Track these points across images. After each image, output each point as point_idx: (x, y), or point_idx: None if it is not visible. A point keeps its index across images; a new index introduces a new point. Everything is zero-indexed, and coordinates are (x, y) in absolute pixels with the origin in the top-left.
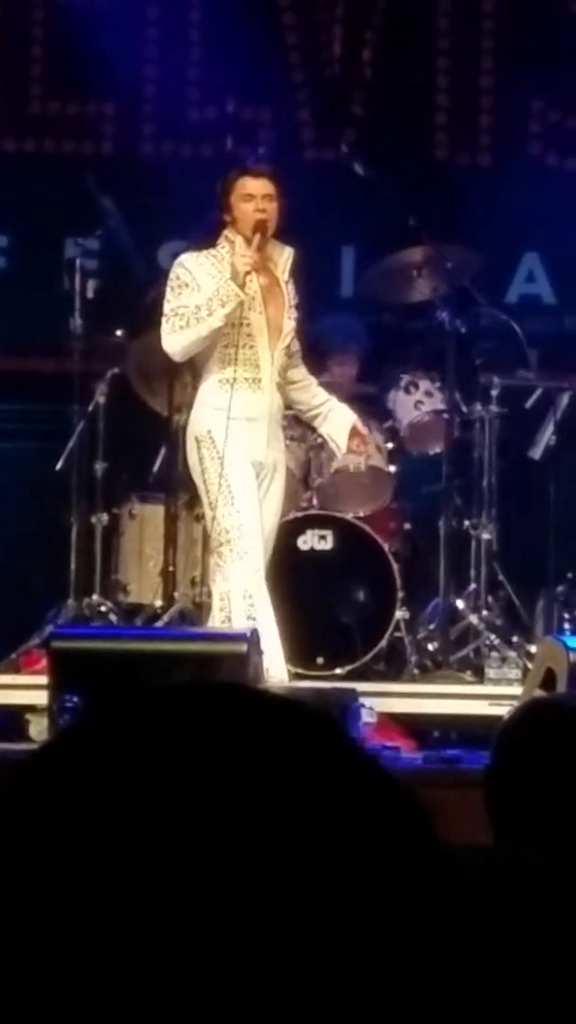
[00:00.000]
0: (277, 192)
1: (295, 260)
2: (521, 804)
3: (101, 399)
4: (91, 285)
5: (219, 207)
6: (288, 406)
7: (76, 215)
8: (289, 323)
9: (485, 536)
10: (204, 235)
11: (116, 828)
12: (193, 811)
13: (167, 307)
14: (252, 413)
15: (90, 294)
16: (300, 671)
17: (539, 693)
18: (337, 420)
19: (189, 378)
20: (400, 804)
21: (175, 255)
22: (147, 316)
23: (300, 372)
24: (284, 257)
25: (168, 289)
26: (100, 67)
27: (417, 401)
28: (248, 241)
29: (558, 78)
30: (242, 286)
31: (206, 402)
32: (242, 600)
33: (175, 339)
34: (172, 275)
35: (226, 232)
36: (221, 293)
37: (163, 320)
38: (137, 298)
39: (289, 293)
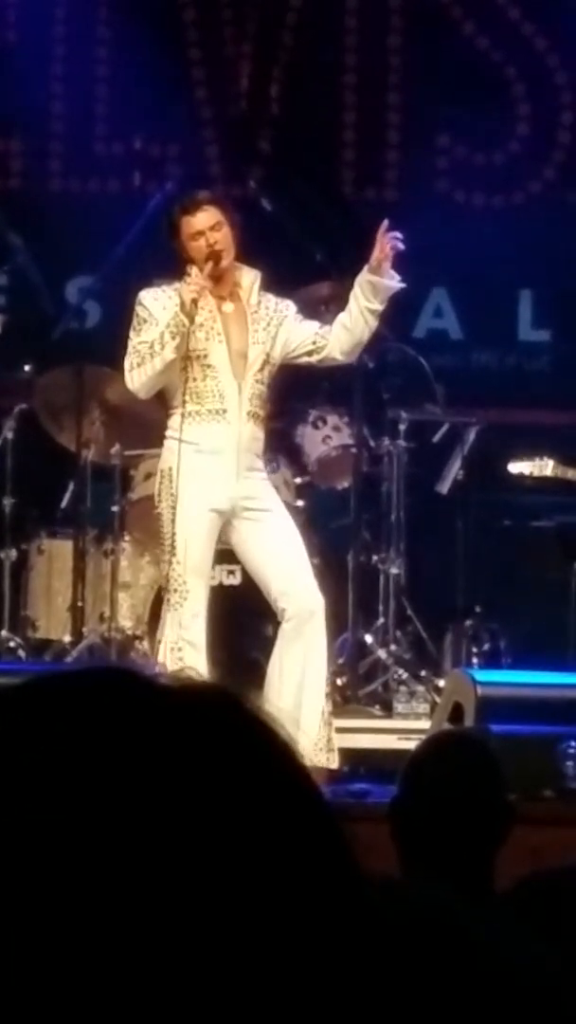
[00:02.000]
0: (225, 217)
1: (263, 281)
2: (426, 836)
3: (9, 434)
4: None
5: (175, 249)
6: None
7: None
8: (256, 348)
9: (393, 571)
10: (111, 271)
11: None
12: (88, 806)
13: (129, 345)
14: (216, 445)
15: None
16: None
17: (447, 727)
18: (362, 289)
19: (96, 413)
20: (306, 800)
21: (82, 290)
22: (55, 351)
23: (322, 342)
24: (250, 280)
25: (131, 328)
26: (6, 102)
27: (325, 436)
28: (201, 269)
29: (464, 115)
30: (191, 316)
31: (169, 436)
32: (170, 652)
33: (134, 376)
34: (134, 314)
35: (188, 266)
36: (172, 325)
37: (125, 358)
38: (45, 333)
39: (260, 317)
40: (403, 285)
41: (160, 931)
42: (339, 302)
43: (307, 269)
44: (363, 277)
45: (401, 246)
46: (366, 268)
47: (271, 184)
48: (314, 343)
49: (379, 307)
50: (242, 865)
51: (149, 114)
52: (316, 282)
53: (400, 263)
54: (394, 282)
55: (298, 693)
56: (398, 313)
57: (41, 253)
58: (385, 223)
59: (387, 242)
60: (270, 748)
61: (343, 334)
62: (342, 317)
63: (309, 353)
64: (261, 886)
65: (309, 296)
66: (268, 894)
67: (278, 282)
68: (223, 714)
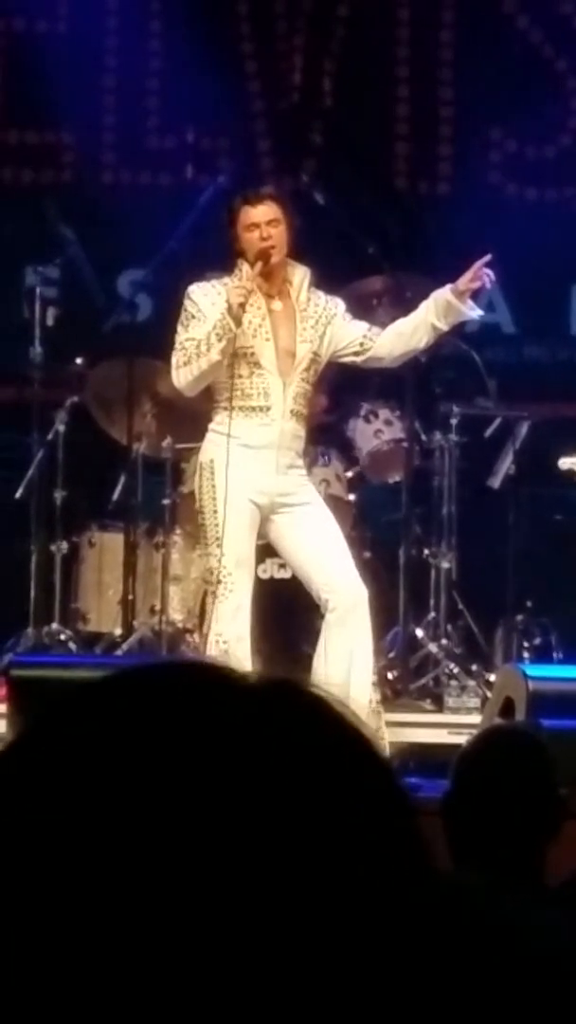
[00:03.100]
0: (282, 214)
1: (312, 277)
2: (477, 830)
3: (61, 427)
4: (51, 313)
5: (228, 237)
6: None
7: (36, 244)
8: (305, 346)
9: (444, 565)
10: (163, 265)
11: (93, 823)
12: (175, 800)
13: (176, 340)
14: (259, 441)
15: (50, 322)
16: None
17: (498, 721)
18: (437, 305)
19: (148, 407)
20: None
21: (134, 283)
22: (106, 344)
23: (369, 344)
24: (300, 277)
25: (179, 323)
26: (59, 96)
27: (377, 430)
28: (252, 265)
29: (517, 108)
30: (237, 319)
31: (212, 430)
32: (216, 644)
33: (180, 374)
34: (183, 308)
35: (239, 261)
36: (218, 327)
37: (173, 354)
38: (97, 326)
39: (309, 314)
40: (480, 314)
41: (255, 920)
42: (391, 296)
43: (359, 263)
44: (442, 295)
45: (490, 285)
46: (448, 287)
47: (323, 177)
48: (361, 344)
49: (445, 328)
50: (327, 854)
51: (201, 107)
52: (368, 276)
53: (452, 256)
54: (473, 312)
55: (344, 683)
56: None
57: (93, 246)
58: (488, 257)
59: (482, 274)
60: (355, 742)
61: (397, 340)
62: (400, 324)
63: (356, 353)
64: (344, 875)
65: (361, 290)
66: (349, 882)
67: (330, 276)
68: (308, 709)
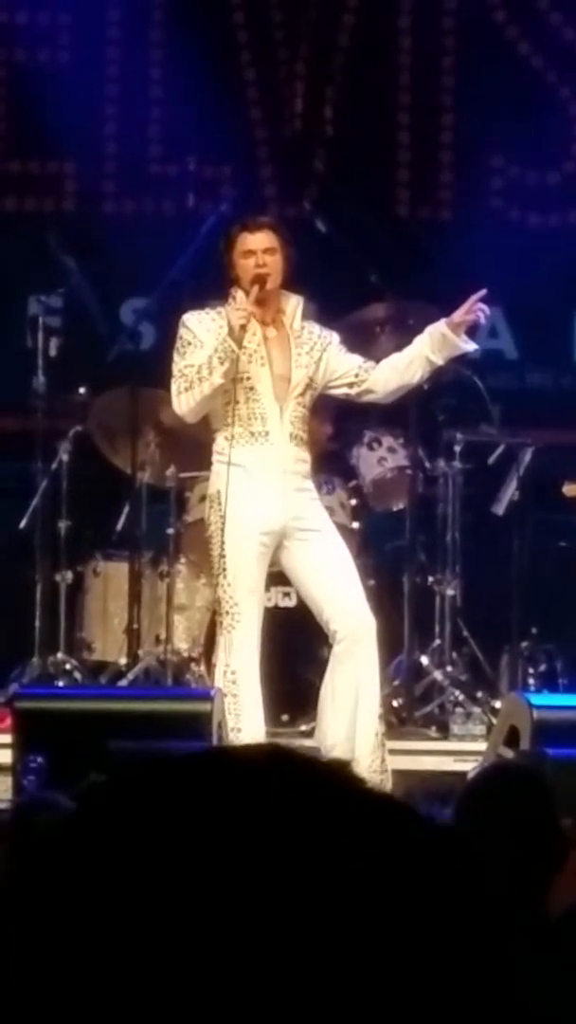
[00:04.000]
0: (280, 243)
1: (304, 307)
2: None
3: (64, 457)
4: (54, 343)
5: (224, 264)
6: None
7: (38, 273)
8: (300, 371)
9: (449, 592)
10: (166, 293)
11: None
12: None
13: (174, 368)
14: (262, 467)
15: (53, 352)
16: (266, 728)
17: (504, 750)
18: (432, 339)
19: (151, 435)
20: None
21: (136, 312)
22: (110, 373)
23: (363, 376)
24: (292, 306)
25: (175, 351)
26: (61, 125)
27: (380, 457)
28: (247, 292)
29: (518, 134)
30: (239, 341)
31: (216, 460)
32: (223, 675)
33: (181, 400)
34: (178, 336)
35: (232, 289)
36: (220, 350)
37: (172, 382)
38: (100, 356)
39: (303, 341)
40: (476, 348)
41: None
42: (394, 324)
43: (361, 291)
44: (437, 328)
45: (484, 320)
46: (443, 321)
47: (325, 205)
48: (356, 375)
49: (440, 363)
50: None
51: (203, 135)
52: (371, 303)
53: (455, 283)
54: (467, 346)
55: (352, 715)
56: None
57: (95, 275)
58: (483, 292)
59: (476, 308)
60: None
61: (391, 374)
62: (395, 358)
63: (350, 385)
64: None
65: (364, 318)
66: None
67: (332, 304)
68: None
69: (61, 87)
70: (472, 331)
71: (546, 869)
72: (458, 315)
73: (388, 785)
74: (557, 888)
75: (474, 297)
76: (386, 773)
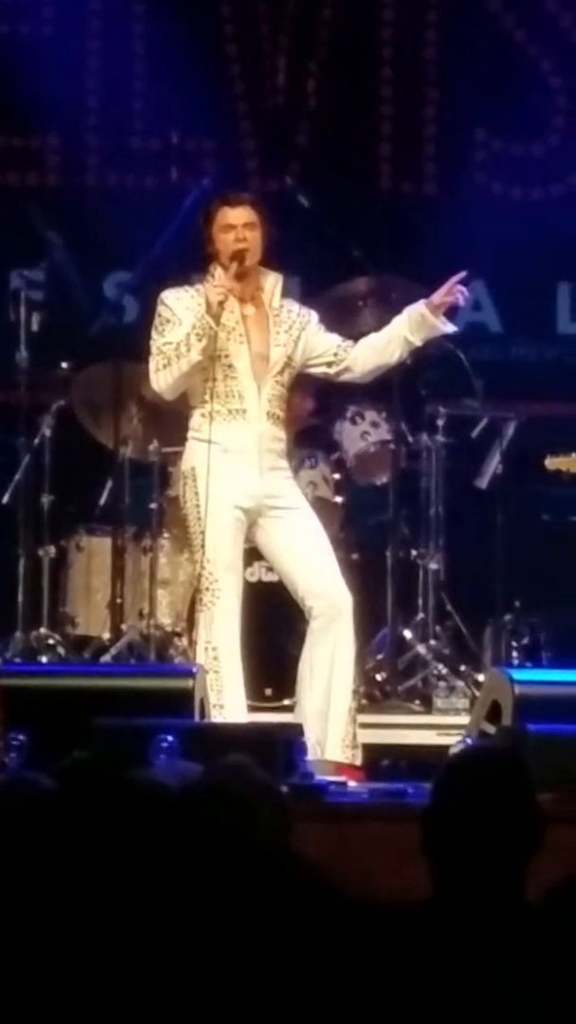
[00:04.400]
0: (260, 219)
1: (283, 285)
2: (457, 848)
3: (47, 432)
4: (36, 317)
5: (203, 239)
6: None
7: (20, 247)
8: (278, 350)
9: (432, 566)
10: (149, 266)
11: None
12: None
13: (152, 346)
14: (238, 444)
15: (35, 326)
16: (249, 702)
17: (486, 725)
18: (411, 320)
19: (134, 410)
20: None
21: (120, 286)
22: (92, 348)
23: (342, 355)
24: (271, 284)
25: (153, 328)
26: (43, 99)
27: (363, 432)
28: (226, 268)
29: (502, 108)
30: (217, 317)
31: (191, 437)
32: (204, 651)
33: (159, 377)
34: (156, 314)
35: (211, 266)
36: (198, 327)
37: (149, 359)
38: (82, 330)
39: (282, 319)
40: (455, 330)
41: None
42: (376, 298)
43: (344, 265)
44: (416, 309)
45: (463, 303)
46: (423, 302)
47: (308, 179)
48: (335, 354)
49: (418, 343)
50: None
51: (186, 109)
52: (353, 278)
53: (438, 256)
54: (447, 327)
55: (327, 691)
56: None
57: (78, 249)
58: (463, 274)
59: (456, 290)
60: None
61: (370, 354)
62: (373, 337)
63: (328, 364)
64: None
65: (347, 292)
66: None
67: (315, 279)
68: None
69: (43, 60)
70: (452, 313)
71: (523, 851)
72: (437, 296)
73: (359, 761)
74: (541, 864)
75: (454, 279)
76: (357, 748)
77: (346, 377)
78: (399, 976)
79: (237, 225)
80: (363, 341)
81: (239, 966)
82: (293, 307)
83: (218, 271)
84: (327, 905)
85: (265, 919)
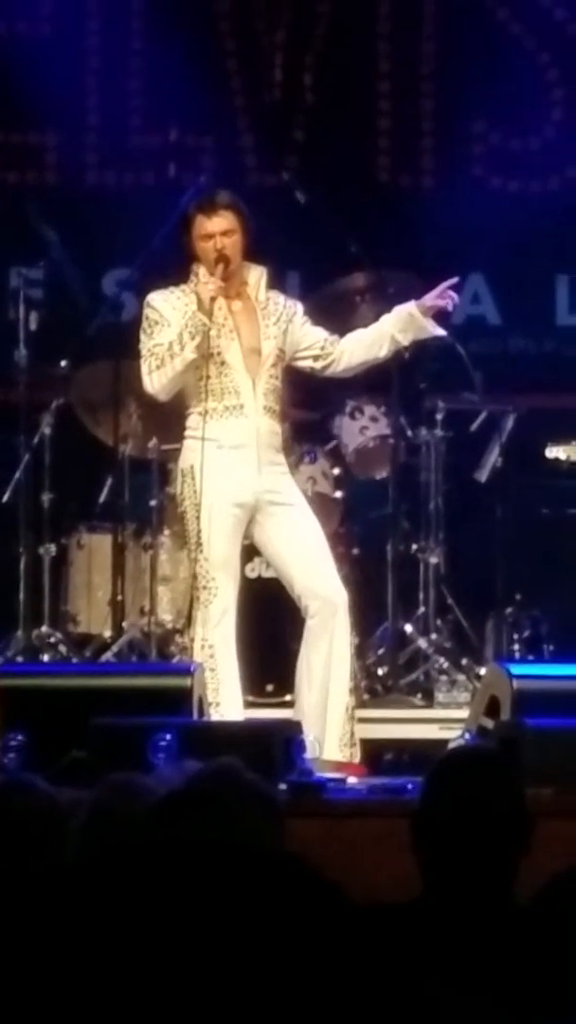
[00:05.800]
0: (239, 223)
1: (269, 277)
2: (447, 848)
3: (47, 430)
4: (35, 315)
5: (183, 243)
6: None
7: (19, 245)
8: (269, 343)
9: (433, 560)
10: (148, 263)
11: None
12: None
13: (142, 348)
14: (235, 441)
15: (34, 325)
16: (250, 698)
17: (484, 720)
18: (400, 318)
19: (134, 408)
20: None
21: (119, 283)
22: (92, 346)
23: (329, 349)
24: (256, 277)
25: (141, 331)
26: (41, 96)
27: (362, 426)
28: (211, 271)
29: (499, 100)
30: (209, 314)
31: (188, 435)
32: (201, 649)
33: (153, 379)
34: (143, 317)
35: (193, 266)
36: (190, 325)
37: (141, 362)
38: (81, 328)
39: (269, 312)
40: (443, 334)
41: None
42: (374, 293)
43: (342, 260)
44: (406, 309)
45: (452, 308)
46: (413, 303)
47: (306, 174)
48: (322, 348)
49: (405, 343)
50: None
51: (183, 106)
52: (351, 273)
53: (437, 249)
54: (435, 330)
55: (324, 689)
56: None
57: (77, 247)
58: (455, 280)
59: (447, 295)
60: None
61: (357, 349)
62: (359, 334)
63: (315, 358)
64: None
65: (344, 287)
66: None
67: (313, 273)
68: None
69: (42, 58)
70: (441, 317)
71: (511, 852)
72: (428, 299)
73: (356, 758)
74: (538, 857)
75: (445, 284)
76: (355, 747)
77: (331, 371)
78: (384, 974)
79: (215, 234)
80: (350, 336)
81: (228, 966)
82: (279, 299)
83: (201, 272)
84: (319, 904)
85: (254, 922)
